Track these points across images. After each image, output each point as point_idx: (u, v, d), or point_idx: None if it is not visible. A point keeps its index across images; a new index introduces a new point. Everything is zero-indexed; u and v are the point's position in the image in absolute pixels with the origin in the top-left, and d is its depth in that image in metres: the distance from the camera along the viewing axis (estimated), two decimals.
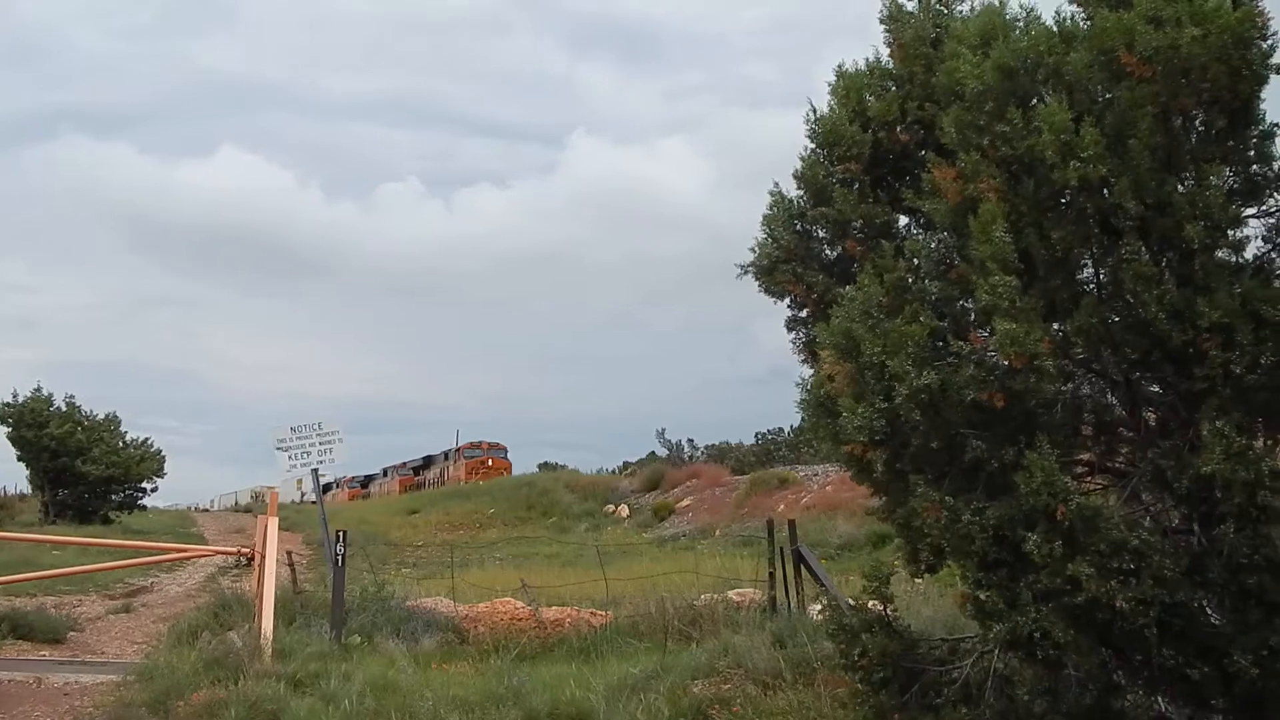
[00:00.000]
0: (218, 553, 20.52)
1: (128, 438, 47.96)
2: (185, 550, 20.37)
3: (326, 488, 73.72)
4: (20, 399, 44.57)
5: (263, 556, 14.45)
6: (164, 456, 49.81)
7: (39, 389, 45.59)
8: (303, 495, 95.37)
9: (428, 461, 76.08)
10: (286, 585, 15.82)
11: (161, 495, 59.96)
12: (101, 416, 47.24)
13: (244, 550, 16.99)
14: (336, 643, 12.98)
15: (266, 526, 14.93)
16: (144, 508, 49.10)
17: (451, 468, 70.45)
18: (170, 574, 25.94)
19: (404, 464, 79.58)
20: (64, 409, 45.39)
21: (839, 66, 8.66)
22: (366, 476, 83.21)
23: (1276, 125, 6.64)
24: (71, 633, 16.71)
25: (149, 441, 49.47)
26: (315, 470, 18.46)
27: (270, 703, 10.13)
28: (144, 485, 48.13)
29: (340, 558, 14.07)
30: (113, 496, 46.09)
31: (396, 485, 77.10)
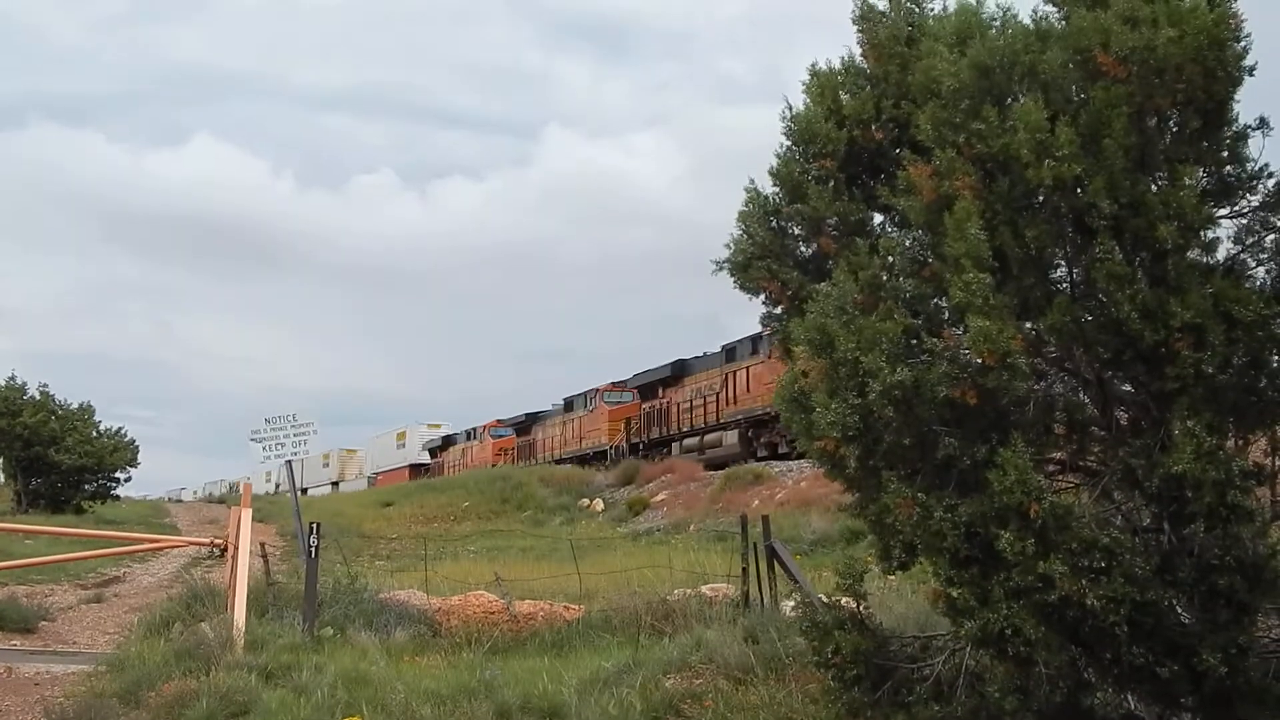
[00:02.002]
0: (190, 544, 20.50)
1: (101, 427, 47.88)
2: (158, 541, 20.35)
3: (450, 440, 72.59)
4: None
5: (236, 548, 14.43)
6: (137, 446, 49.78)
7: (12, 377, 45.48)
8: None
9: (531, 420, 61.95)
10: (259, 576, 15.79)
11: (135, 485, 59.80)
12: (75, 406, 47.11)
13: (217, 541, 16.98)
14: (309, 634, 12.94)
15: (240, 518, 14.91)
16: (117, 498, 49.00)
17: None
18: (143, 564, 25.88)
19: (502, 422, 65.03)
20: (37, 398, 45.27)
21: (813, 65, 8.66)
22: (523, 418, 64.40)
23: (1250, 126, 6.68)
24: (43, 622, 16.64)
25: (122, 431, 49.43)
26: (289, 462, 18.39)
27: (242, 694, 10.12)
28: (117, 475, 48.03)
29: (313, 549, 14.02)
30: (86, 486, 46.02)
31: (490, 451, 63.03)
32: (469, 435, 69.64)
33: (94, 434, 46.53)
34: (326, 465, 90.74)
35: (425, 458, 77.11)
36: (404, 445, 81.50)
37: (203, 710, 9.74)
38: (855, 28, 8.48)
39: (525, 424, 63.37)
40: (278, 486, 72.51)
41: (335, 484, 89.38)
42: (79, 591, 20.63)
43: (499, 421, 65.69)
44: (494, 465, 57.23)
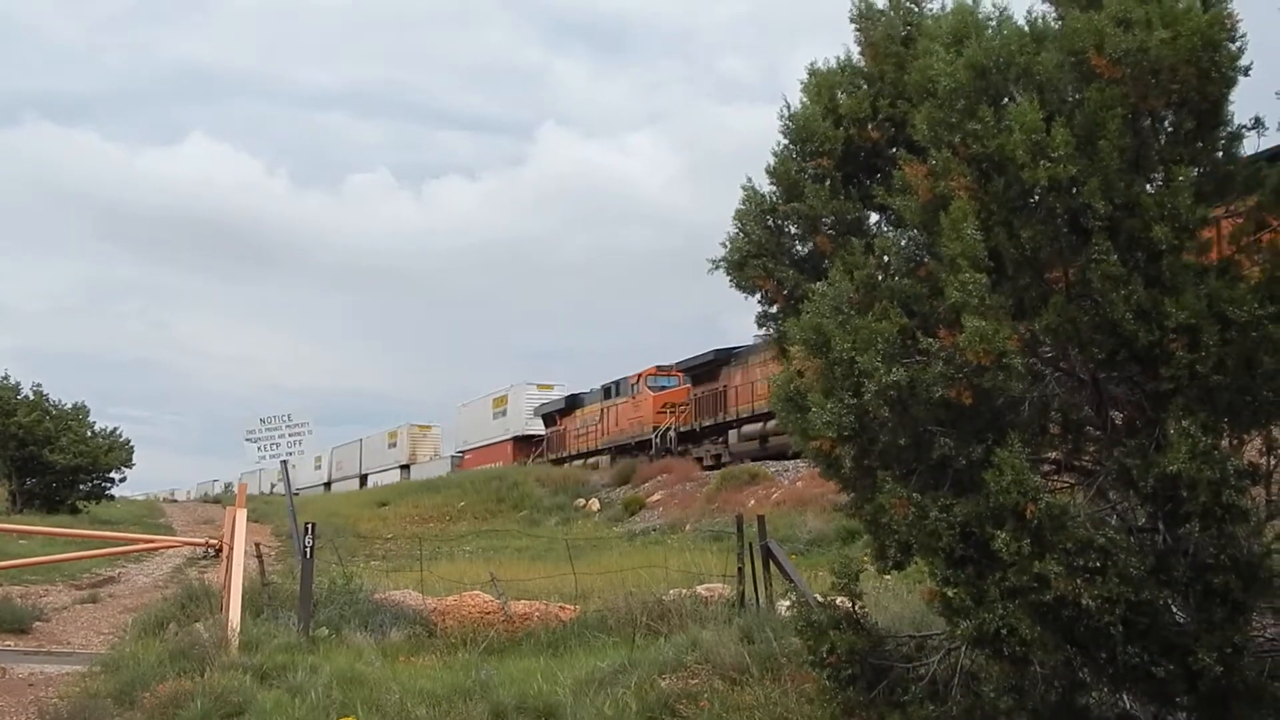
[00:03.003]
0: (185, 544, 20.47)
1: (96, 427, 47.90)
2: (153, 541, 20.33)
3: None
4: None
5: (231, 548, 14.42)
6: (132, 446, 49.77)
7: (6, 377, 45.64)
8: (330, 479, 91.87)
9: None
10: (254, 577, 15.77)
11: (130, 485, 59.75)
12: (69, 405, 47.10)
13: (212, 542, 16.96)
14: (304, 635, 12.95)
15: (235, 518, 14.90)
16: (112, 497, 48.98)
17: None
18: (138, 564, 25.91)
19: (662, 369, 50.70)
20: (31, 397, 45.25)
21: (811, 64, 8.68)
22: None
23: (1245, 127, 6.68)
24: (37, 623, 16.65)
25: (117, 431, 49.43)
26: (284, 462, 18.38)
27: (236, 694, 10.11)
28: (112, 475, 48.03)
29: (308, 550, 14.03)
30: (80, 486, 46.04)
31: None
32: (610, 391, 53.52)
33: (88, 434, 46.54)
34: (393, 445, 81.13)
35: (537, 427, 62.84)
36: (504, 413, 67.14)
37: (197, 711, 9.73)
38: (853, 26, 8.50)
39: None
40: (272, 487, 71.98)
41: (405, 467, 77.71)
42: (74, 592, 20.66)
43: (659, 369, 50.30)
44: (655, 428, 46.99)
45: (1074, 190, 6.43)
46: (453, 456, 73.56)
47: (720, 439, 43.12)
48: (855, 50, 8.59)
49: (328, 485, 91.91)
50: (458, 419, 75.62)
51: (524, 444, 63.89)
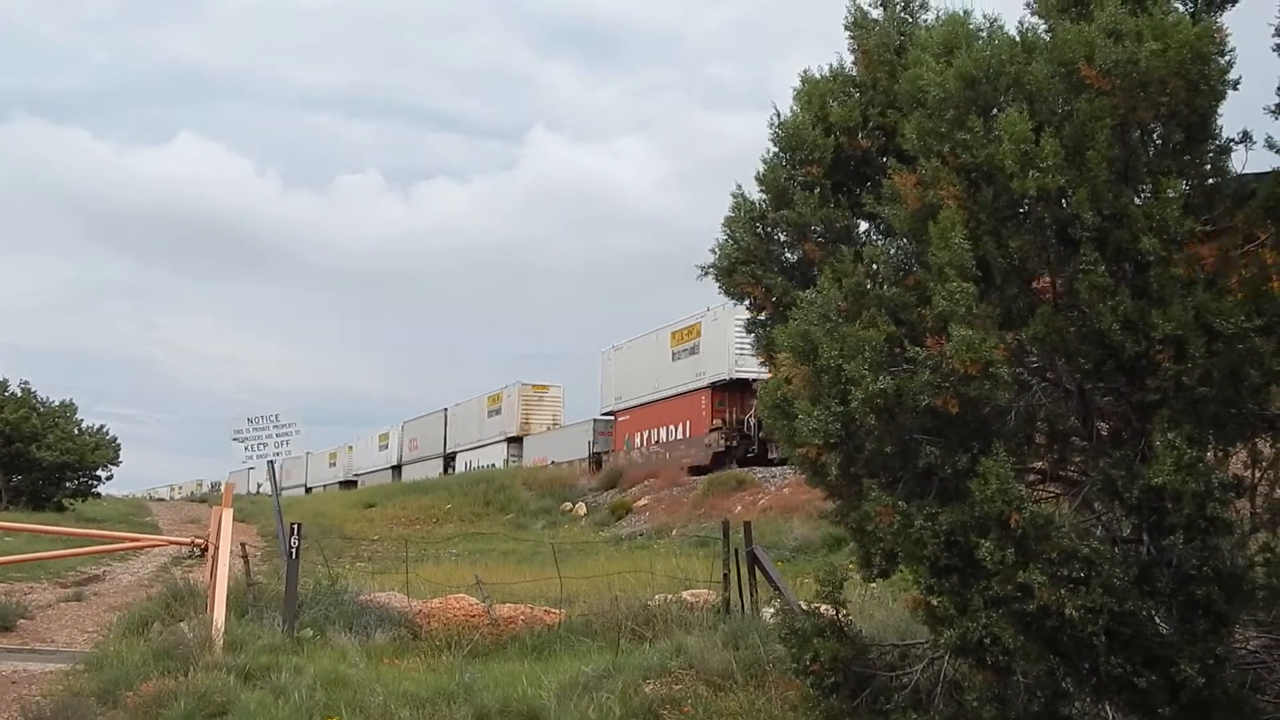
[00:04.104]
0: (171, 543, 20.46)
1: (83, 425, 47.87)
2: (138, 540, 20.31)
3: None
4: None
5: (216, 548, 14.42)
6: (119, 444, 49.80)
7: None
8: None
9: None
10: (240, 577, 15.79)
11: (117, 483, 59.64)
12: (57, 403, 47.09)
13: (198, 541, 16.96)
14: (288, 635, 12.96)
15: (221, 517, 14.90)
16: (98, 495, 48.97)
17: None
18: (123, 563, 25.87)
19: None
20: (18, 394, 45.22)
21: (804, 71, 8.70)
22: None
23: (1233, 140, 6.70)
24: (21, 620, 16.62)
25: (104, 429, 49.44)
26: (271, 462, 18.37)
27: (220, 694, 10.11)
28: (99, 473, 48.03)
29: (294, 550, 14.03)
30: (67, 484, 46.01)
31: None
32: None
33: (75, 431, 46.52)
34: (496, 413, 65.66)
35: (750, 367, 39.52)
36: (692, 350, 46.59)
37: (181, 710, 9.73)
38: (847, 34, 8.52)
39: None
40: (259, 487, 70.82)
41: (515, 440, 63.68)
42: (58, 589, 20.61)
43: None
44: None
45: (1062, 201, 6.44)
46: (596, 421, 55.12)
47: None
48: (848, 58, 8.61)
49: (397, 469, 79.89)
50: (607, 367, 55.52)
51: (731, 393, 43.99)
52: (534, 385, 64.46)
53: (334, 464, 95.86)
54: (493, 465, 62.74)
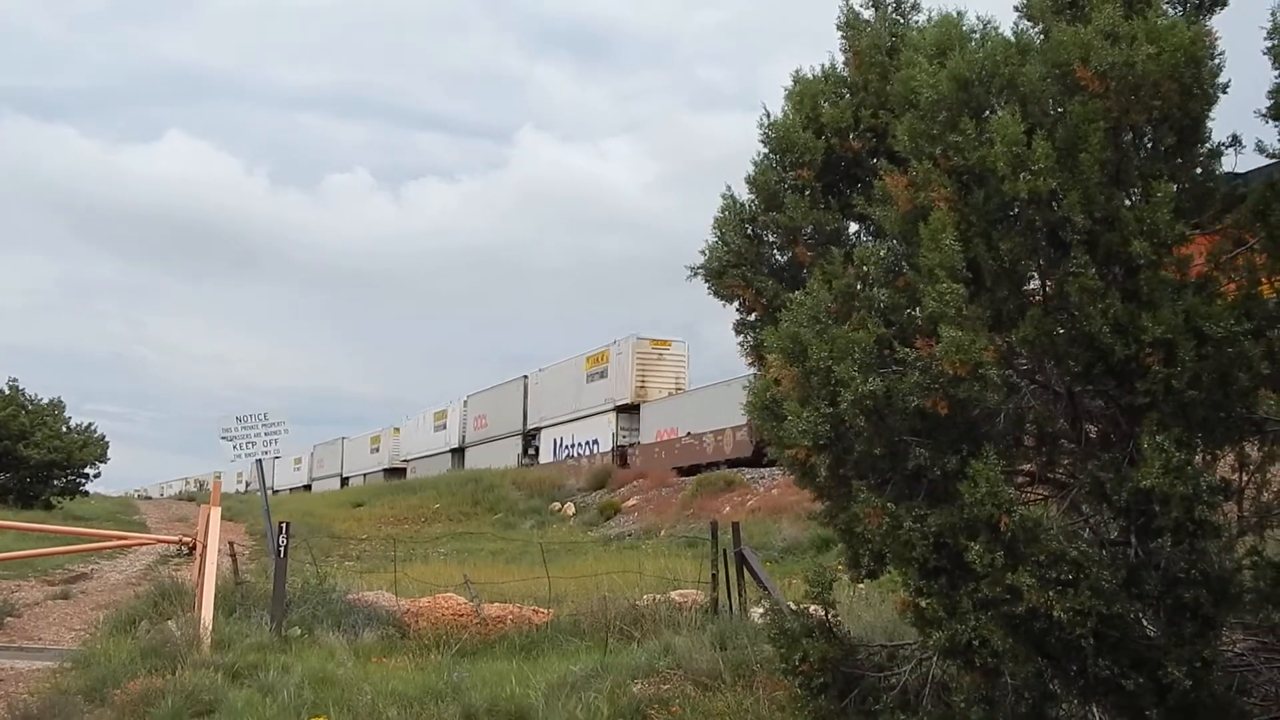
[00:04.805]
0: (159, 541, 20.44)
1: (71, 423, 47.73)
2: (126, 538, 20.24)
3: None
4: None
5: (204, 546, 14.40)
6: (107, 442, 49.62)
7: None
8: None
9: None
10: (228, 575, 15.80)
11: (105, 481, 59.46)
12: (45, 401, 46.97)
13: (185, 539, 16.94)
14: (276, 634, 12.94)
15: (209, 516, 14.88)
16: (86, 494, 48.85)
17: None
18: (111, 561, 25.82)
19: None
20: (6, 392, 45.11)
21: (796, 72, 8.70)
22: None
23: (1224, 144, 6.71)
24: (9, 618, 16.60)
25: (93, 427, 49.29)
26: (259, 461, 18.36)
27: (207, 693, 10.10)
28: (87, 471, 47.92)
29: (282, 549, 14.02)
30: (55, 482, 45.87)
31: None
32: None
33: (64, 429, 46.40)
34: (600, 377, 53.47)
35: None
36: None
37: (168, 709, 9.71)
38: (839, 34, 8.52)
39: None
40: (247, 486, 70.17)
41: (629, 409, 51.85)
42: (46, 588, 20.58)
43: None
44: None
45: (1054, 203, 6.44)
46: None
47: None
48: (839, 59, 8.61)
49: (459, 452, 69.30)
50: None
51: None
52: (652, 340, 52.41)
53: (377, 449, 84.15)
54: (594, 442, 53.26)
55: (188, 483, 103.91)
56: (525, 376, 62.10)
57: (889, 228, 7.23)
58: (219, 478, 20.41)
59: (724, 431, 41.97)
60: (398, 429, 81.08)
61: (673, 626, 12.48)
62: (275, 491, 61.82)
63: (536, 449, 60.27)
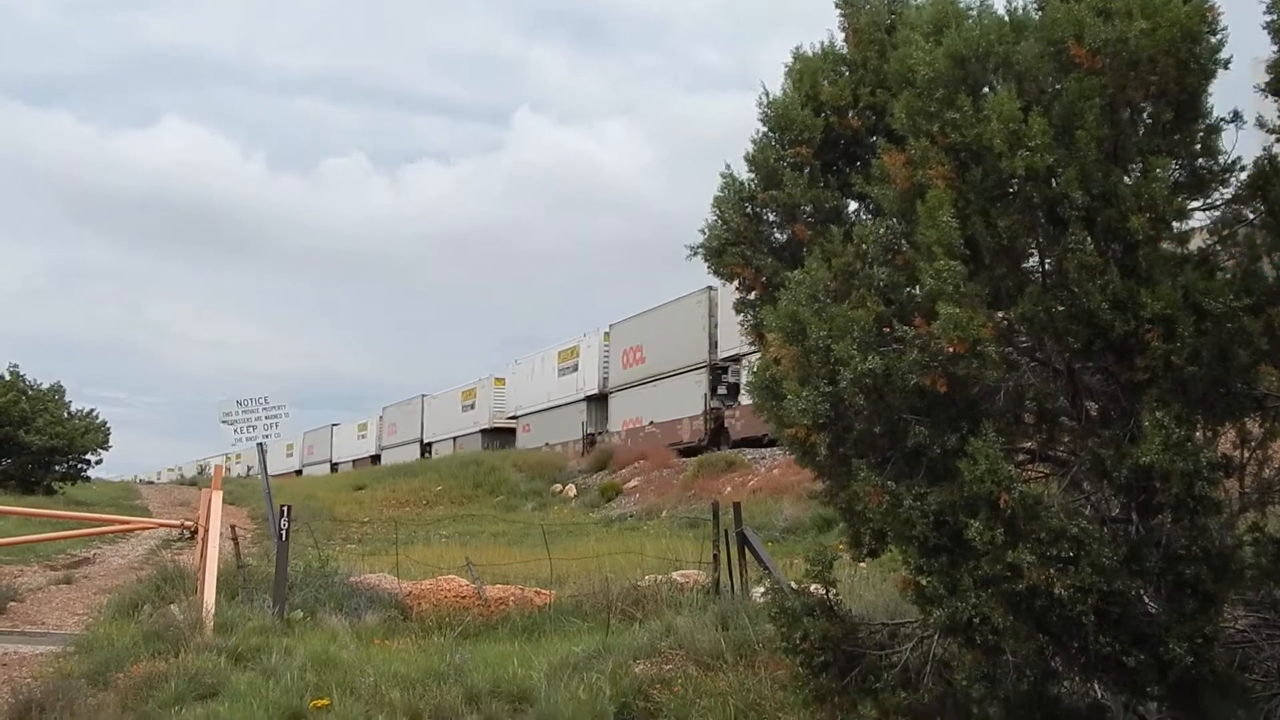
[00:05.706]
0: (161, 525, 20.44)
1: (72, 408, 47.68)
2: (128, 523, 20.28)
3: None
4: None
5: (206, 530, 14.40)
6: (109, 428, 49.54)
7: None
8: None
9: None
10: (229, 559, 15.78)
11: (106, 467, 59.38)
12: (46, 386, 46.91)
13: (187, 523, 16.95)
14: (279, 617, 12.95)
15: (210, 500, 14.88)
16: (88, 479, 48.81)
17: None
18: (113, 545, 25.83)
19: None
20: (7, 378, 45.05)
21: (796, 49, 8.68)
22: None
23: (1223, 119, 6.68)
24: (12, 603, 16.60)
25: (94, 413, 49.21)
26: (261, 444, 18.37)
27: (210, 676, 10.12)
28: (88, 456, 47.83)
29: (284, 532, 14.02)
30: (56, 467, 45.81)
31: None
32: None
33: (65, 415, 46.35)
34: None
35: None
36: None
37: (171, 692, 9.73)
38: (838, 11, 8.50)
39: None
40: (249, 470, 69.55)
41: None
42: (48, 572, 20.58)
43: None
44: None
45: (1051, 180, 6.43)
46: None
47: None
48: (839, 36, 8.59)
49: (598, 399, 51.10)
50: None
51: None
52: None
53: (471, 406, 64.81)
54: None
55: (190, 464, 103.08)
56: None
57: (887, 206, 7.21)
58: (237, 457, 20.40)
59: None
60: (501, 379, 63.51)
61: (674, 607, 12.48)
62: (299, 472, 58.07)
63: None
